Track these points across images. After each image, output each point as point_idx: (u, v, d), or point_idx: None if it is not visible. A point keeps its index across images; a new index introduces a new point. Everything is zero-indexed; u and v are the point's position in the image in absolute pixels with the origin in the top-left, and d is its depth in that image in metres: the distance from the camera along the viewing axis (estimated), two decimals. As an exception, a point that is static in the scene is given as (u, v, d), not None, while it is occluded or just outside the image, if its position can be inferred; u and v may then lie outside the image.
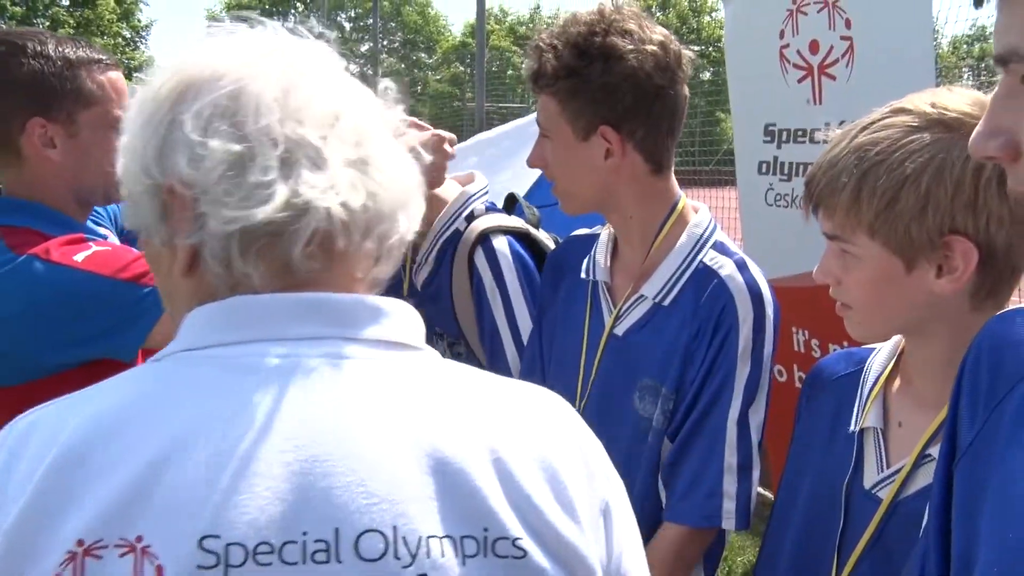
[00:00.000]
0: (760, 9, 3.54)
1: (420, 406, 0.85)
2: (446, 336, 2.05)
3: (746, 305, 1.60)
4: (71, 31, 47.75)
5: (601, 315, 1.75)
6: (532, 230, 2.06)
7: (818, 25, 3.22)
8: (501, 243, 1.98)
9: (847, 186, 1.19)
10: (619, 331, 1.71)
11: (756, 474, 1.63)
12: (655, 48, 1.57)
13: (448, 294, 2.01)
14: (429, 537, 0.78)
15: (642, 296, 1.68)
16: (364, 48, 31.40)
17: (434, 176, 2.02)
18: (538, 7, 47.64)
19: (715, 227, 1.70)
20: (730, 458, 1.60)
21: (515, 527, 0.81)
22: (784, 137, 3.47)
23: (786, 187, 3.48)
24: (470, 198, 2.05)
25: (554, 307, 1.87)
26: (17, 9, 46.66)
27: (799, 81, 3.33)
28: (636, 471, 1.65)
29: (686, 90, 1.65)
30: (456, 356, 2.00)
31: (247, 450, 0.77)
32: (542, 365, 1.88)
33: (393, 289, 2.08)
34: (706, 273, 1.63)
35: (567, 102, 1.61)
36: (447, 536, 0.79)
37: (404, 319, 0.91)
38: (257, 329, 0.84)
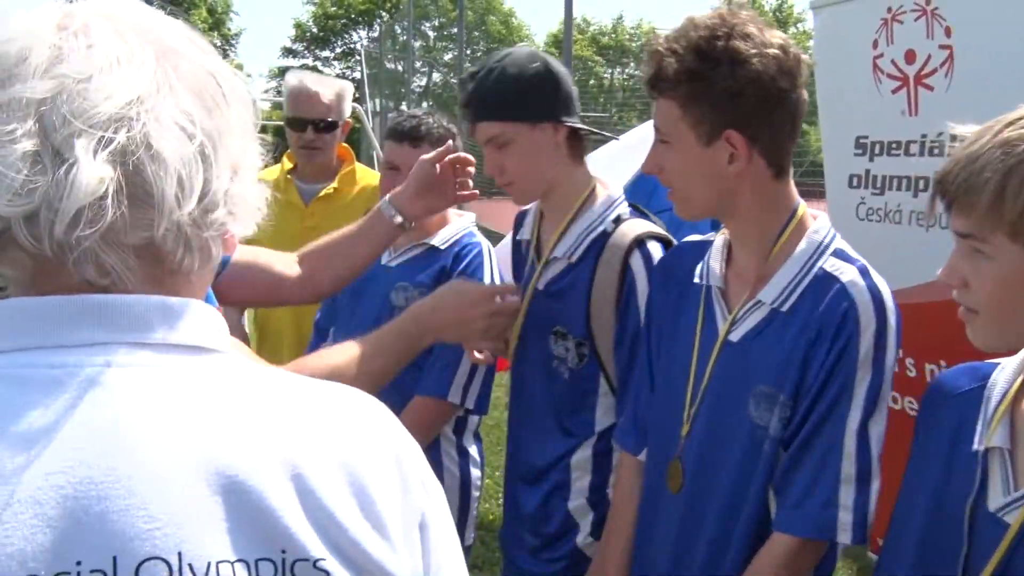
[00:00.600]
0: (852, 19, 3.44)
1: (211, 418, 0.76)
2: (571, 335, 2.06)
3: (868, 312, 1.54)
4: (165, 40, 49.03)
5: (714, 321, 1.71)
6: (671, 238, 2.08)
7: (915, 34, 3.11)
8: (656, 249, 2.01)
9: (990, 182, 1.14)
10: (734, 337, 1.67)
11: (876, 487, 1.55)
12: (777, 51, 1.55)
13: (585, 294, 2.03)
14: (219, 562, 0.71)
15: (759, 302, 1.64)
16: (448, 57, 31.68)
17: (439, 194, 2.14)
18: (620, 17, 47.63)
19: (835, 235, 1.65)
20: (848, 468, 1.52)
21: (316, 547, 0.75)
22: (877, 150, 3.37)
23: (878, 201, 3.37)
24: (615, 201, 2.09)
25: (663, 314, 1.85)
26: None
27: (893, 92, 3.23)
28: (750, 481, 1.61)
29: (805, 94, 1.62)
30: (581, 357, 2.05)
31: (10, 473, 0.68)
32: (651, 372, 1.87)
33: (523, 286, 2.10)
34: (826, 279, 1.58)
35: (689, 106, 1.58)
36: (240, 560, 0.72)
37: (201, 319, 0.81)
38: (28, 336, 0.75)
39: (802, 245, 1.62)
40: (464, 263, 2.45)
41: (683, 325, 1.77)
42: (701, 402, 1.69)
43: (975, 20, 2.92)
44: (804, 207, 1.67)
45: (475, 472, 2.59)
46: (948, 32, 2.99)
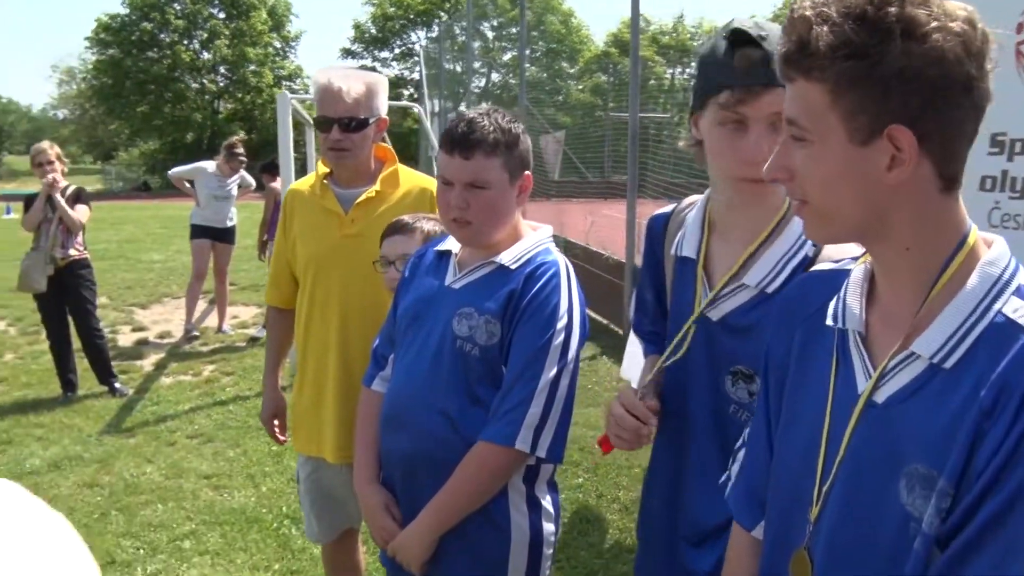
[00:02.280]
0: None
1: None
2: (760, 378, 1.80)
3: None
4: (227, 42, 49.98)
5: (852, 375, 1.34)
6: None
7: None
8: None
9: None
10: (879, 398, 1.29)
11: None
12: (962, 26, 1.16)
13: None
14: None
15: (913, 354, 1.26)
16: (507, 57, 31.50)
17: None
18: (681, 16, 46.94)
19: (1017, 266, 1.26)
20: None
21: None
22: (1018, 148, 3.04)
23: (1018, 206, 3.05)
24: None
25: (783, 363, 1.51)
26: (180, 22, 49.00)
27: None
28: None
29: (991, 84, 1.21)
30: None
31: None
32: (768, 432, 1.55)
33: (681, 317, 1.96)
34: (1007, 328, 1.19)
35: (844, 92, 1.18)
36: None
37: None
38: None
39: (973, 280, 1.23)
40: (535, 287, 2.17)
41: (811, 379, 1.43)
42: (835, 479, 1.34)
43: None
44: (976, 231, 1.28)
45: (548, 527, 2.30)
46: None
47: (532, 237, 2.30)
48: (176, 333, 9.93)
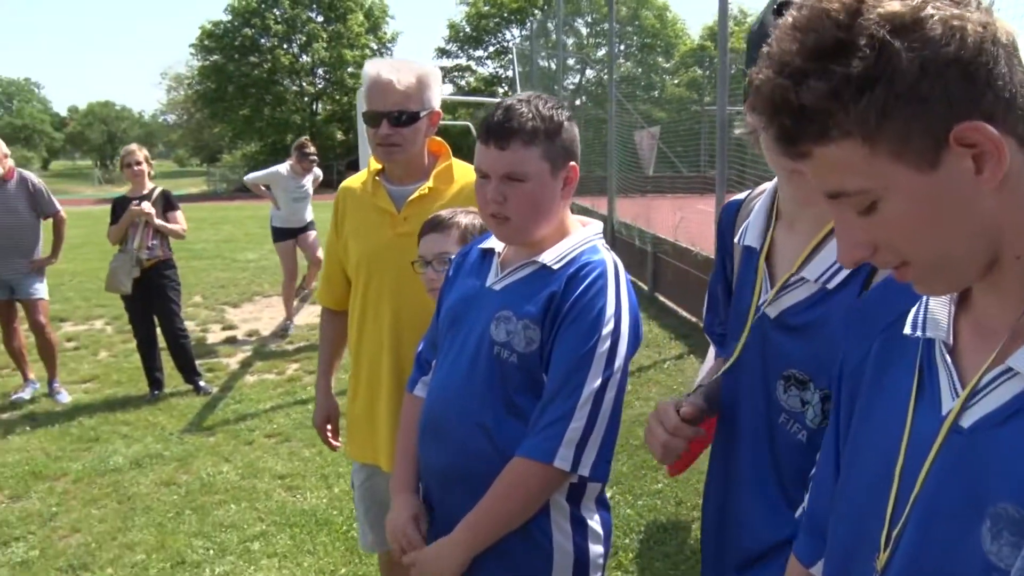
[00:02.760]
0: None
1: None
2: (815, 385, 1.64)
3: None
4: (324, 44, 50.91)
5: (937, 395, 1.10)
6: None
7: None
8: None
9: None
10: (966, 422, 1.04)
11: None
12: None
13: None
14: None
15: (1011, 370, 1.01)
16: (601, 53, 31.22)
17: None
18: (781, 6, 45.72)
19: None
20: None
21: None
22: None
23: None
24: None
25: (856, 377, 1.27)
26: (279, 27, 50.11)
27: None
28: None
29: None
30: (827, 414, 1.56)
31: None
32: (837, 456, 1.31)
33: (741, 313, 1.81)
34: None
35: (879, 129, 0.93)
36: None
37: None
38: None
39: None
40: (579, 289, 1.97)
41: (887, 398, 1.19)
42: (909, 518, 1.10)
43: None
44: None
45: (596, 549, 2.09)
46: None
47: (579, 234, 2.11)
48: (264, 332, 10.02)
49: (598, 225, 2.19)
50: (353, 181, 3.03)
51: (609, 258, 2.06)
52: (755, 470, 1.75)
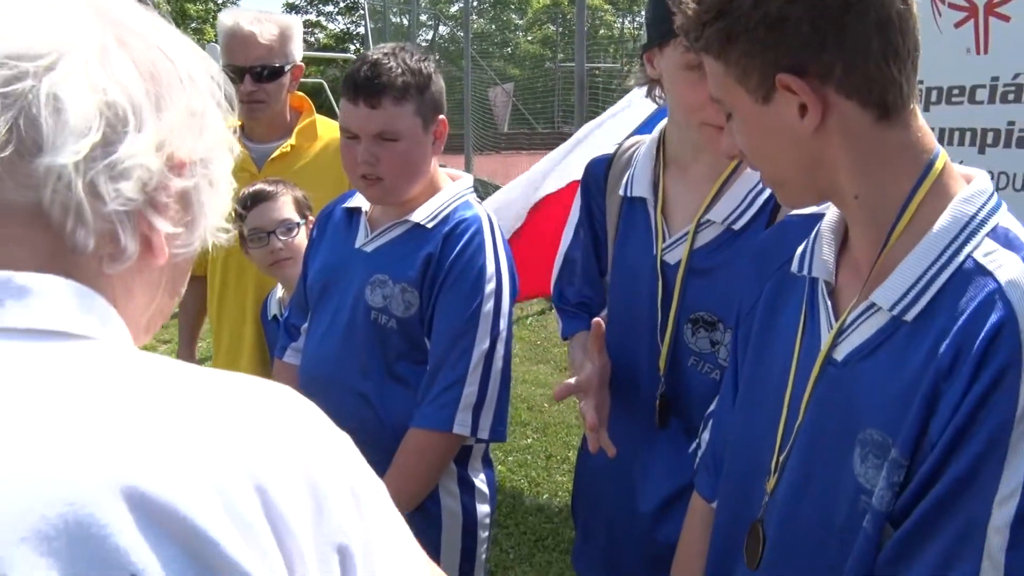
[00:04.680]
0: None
1: (58, 421, 0.62)
2: (725, 325, 1.67)
3: None
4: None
5: (817, 330, 1.19)
6: None
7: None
8: None
9: None
10: (839, 355, 1.13)
11: None
12: None
13: None
14: None
15: (874, 306, 1.10)
16: (454, 9, 31.00)
17: None
18: (631, -37, 46.42)
19: (998, 203, 1.08)
20: (992, 571, 0.95)
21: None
22: (934, 97, 2.85)
23: None
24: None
25: (751, 317, 1.36)
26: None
27: (956, 26, 2.72)
28: (842, 569, 1.08)
29: None
30: None
31: None
32: (734, 389, 1.39)
33: (629, 265, 1.79)
34: (974, 274, 1.02)
35: (727, 55, 1.10)
36: None
37: (61, 299, 0.69)
38: None
39: (943, 221, 1.05)
40: (457, 248, 1.93)
41: (778, 335, 1.27)
42: (794, 444, 1.18)
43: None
44: (945, 161, 1.10)
45: (483, 509, 2.08)
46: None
47: (450, 189, 2.06)
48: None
49: (468, 179, 2.14)
50: None
51: (483, 212, 2.03)
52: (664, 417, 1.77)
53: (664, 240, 1.77)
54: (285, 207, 2.46)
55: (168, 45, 0.79)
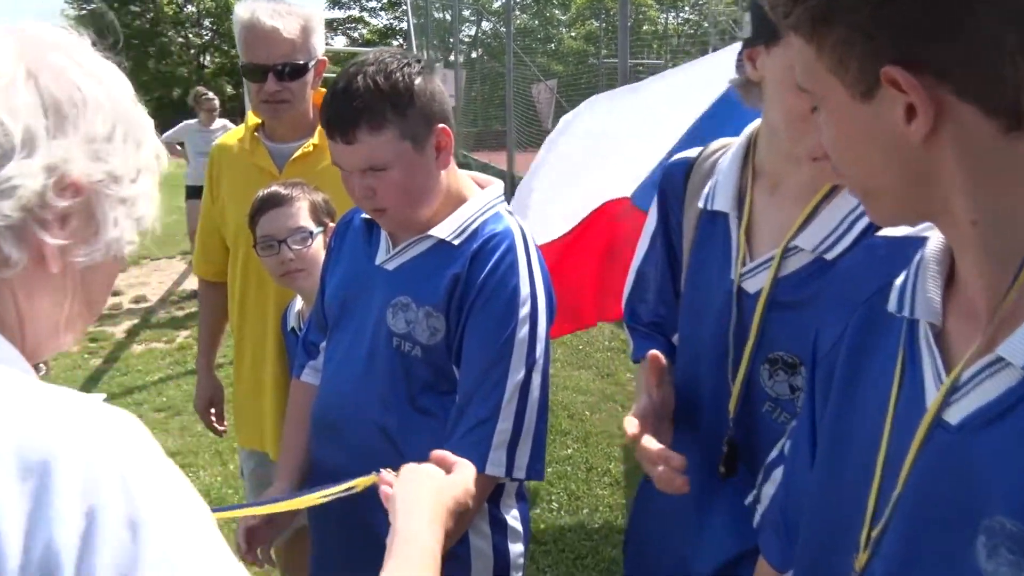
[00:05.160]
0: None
1: None
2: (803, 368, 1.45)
3: None
4: None
5: (920, 383, 0.94)
6: None
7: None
8: None
9: None
10: (952, 417, 0.89)
11: None
12: None
13: None
14: None
15: (1001, 360, 0.85)
16: (497, 5, 30.81)
17: None
18: (676, -42, 45.90)
19: None
20: None
21: None
22: None
23: None
24: None
25: (834, 358, 1.10)
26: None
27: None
28: None
29: None
30: None
31: None
32: (813, 448, 1.13)
33: (703, 289, 1.59)
34: None
35: (823, 38, 0.86)
36: None
37: None
38: None
39: None
40: (487, 268, 1.72)
41: (869, 382, 1.03)
42: (890, 523, 0.95)
43: None
44: None
45: (516, 548, 1.88)
46: None
47: (478, 200, 1.84)
48: (152, 297, 9.56)
49: (498, 186, 1.91)
50: (229, 138, 2.73)
51: (515, 225, 1.81)
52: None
53: (744, 264, 1.54)
54: (299, 214, 2.28)
55: (86, 76, 0.88)
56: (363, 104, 1.65)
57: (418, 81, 1.70)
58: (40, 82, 0.84)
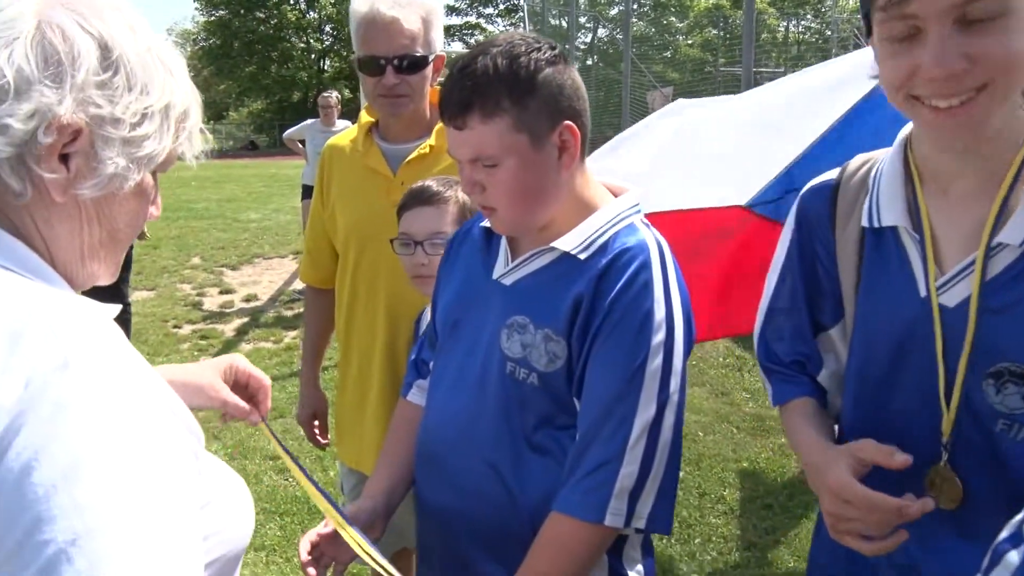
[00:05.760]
0: None
1: None
2: None
3: None
4: (332, 0, 50.18)
5: None
6: None
7: None
8: None
9: None
10: None
11: None
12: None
13: None
14: None
15: None
16: (614, 12, 30.57)
17: None
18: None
19: None
20: None
21: None
22: None
23: None
24: None
25: None
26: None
27: None
28: None
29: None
30: None
31: None
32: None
33: (882, 311, 1.45)
34: None
35: None
36: None
37: None
38: None
39: None
40: (617, 288, 1.51)
41: None
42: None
43: None
44: None
45: None
46: None
47: (609, 209, 1.62)
48: (263, 296, 9.63)
49: (634, 194, 1.68)
50: (341, 138, 2.59)
51: (652, 239, 1.59)
52: (971, 500, 1.34)
53: (936, 277, 1.35)
54: (444, 216, 2.10)
55: (93, 30, 1.00)
56: (478, 87, 1.48)
57: (547, 71, 1.51)
58: (45, 39, 0.96)
